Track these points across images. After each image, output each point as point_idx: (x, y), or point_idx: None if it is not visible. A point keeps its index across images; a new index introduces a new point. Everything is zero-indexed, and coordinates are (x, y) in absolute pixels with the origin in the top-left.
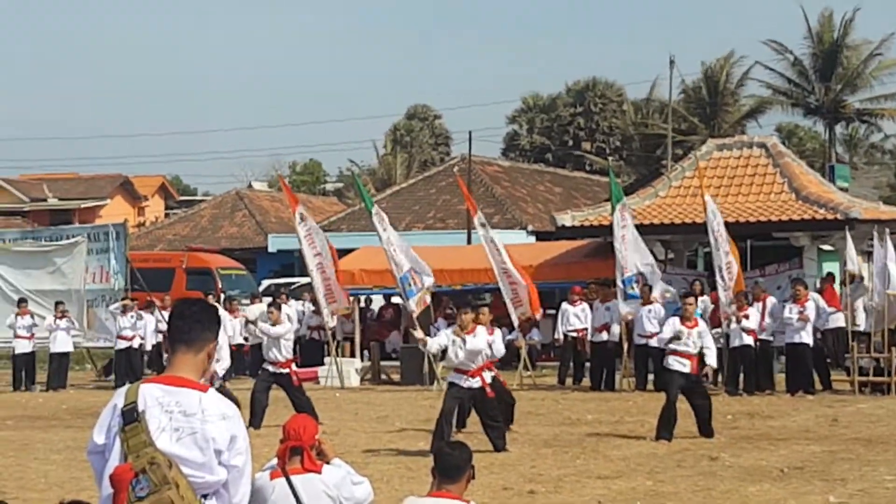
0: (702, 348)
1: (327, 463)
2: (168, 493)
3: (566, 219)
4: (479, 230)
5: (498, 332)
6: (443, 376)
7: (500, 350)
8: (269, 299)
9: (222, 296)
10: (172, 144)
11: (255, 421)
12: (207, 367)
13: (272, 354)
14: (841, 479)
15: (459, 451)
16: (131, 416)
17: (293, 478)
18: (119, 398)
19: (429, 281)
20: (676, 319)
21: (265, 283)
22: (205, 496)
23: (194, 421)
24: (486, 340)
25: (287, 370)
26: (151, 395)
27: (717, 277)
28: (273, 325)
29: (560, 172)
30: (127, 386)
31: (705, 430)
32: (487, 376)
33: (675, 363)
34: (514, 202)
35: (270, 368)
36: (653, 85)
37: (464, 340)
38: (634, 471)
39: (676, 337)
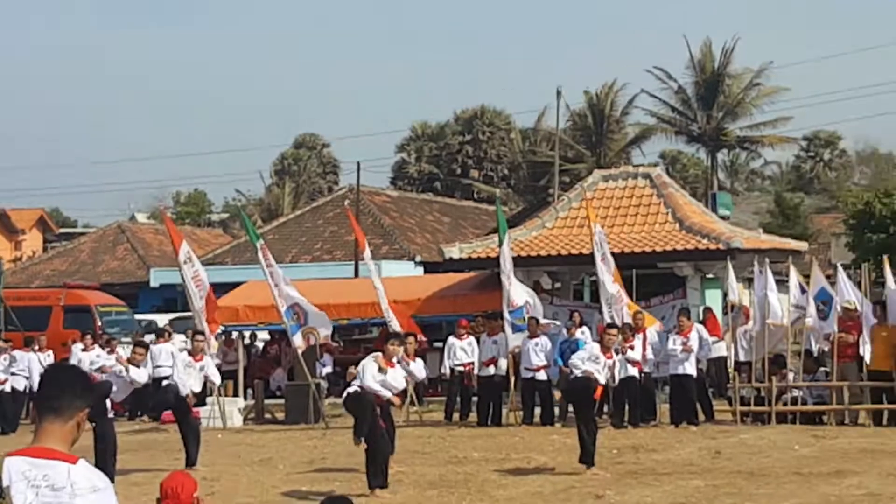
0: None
1: None
2: None
3: (454, 251)
4: (367, 263)
5: (419, 359)
6: (328, 415)
7: (421, 375)
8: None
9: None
10: (51, 177)
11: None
12: (77, 435)
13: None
14: None
15: None
16: None
17: None
18: None
19: (325, 332)
20: (596, 345)
21: (146, 318)
22: None
23: (63, 496)
24: (403, 376)
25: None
26: (17, 470)
27: (605, 308)
28: (136, 366)
29: (448, 202)
30: None
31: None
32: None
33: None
34: (402, 232)
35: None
36: (541, 114)
37: (384, 373)
38: None
39: (593, 360)
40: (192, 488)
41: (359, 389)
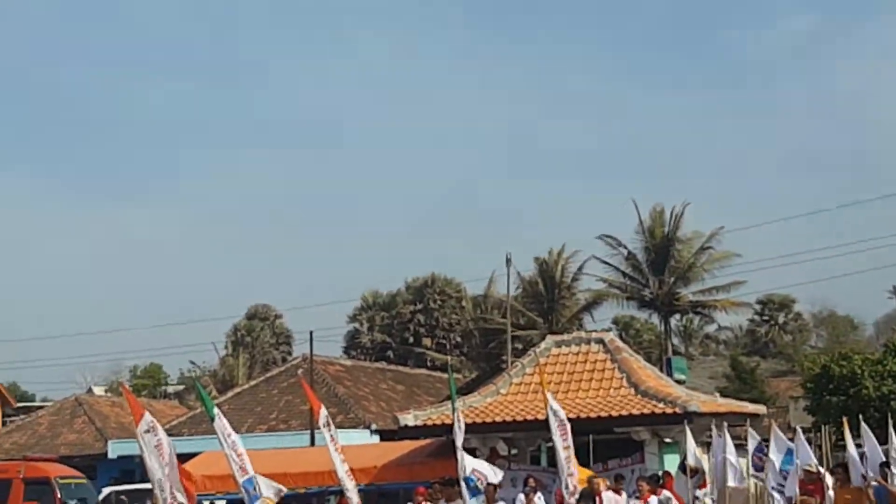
0: None
1: None
2: None
3: (409, 418)
4: (322, 430)
5: None
6: None
7: None
8: None
9: None
10: (8, 351)
11: None
12: None
13: None
14: None
15: None
16: None
17: None
18: None
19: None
20: None
21: (106, 490)
22: None
23: None
24: None
25: None
26: None
27: (562, 474)
28: None
29: (402, 370)
30: None
31: None
32: None
33: None
34: (356, 401)
35: None
36: (490, 281)
37: None
38: None
39: None
40: None
41: None
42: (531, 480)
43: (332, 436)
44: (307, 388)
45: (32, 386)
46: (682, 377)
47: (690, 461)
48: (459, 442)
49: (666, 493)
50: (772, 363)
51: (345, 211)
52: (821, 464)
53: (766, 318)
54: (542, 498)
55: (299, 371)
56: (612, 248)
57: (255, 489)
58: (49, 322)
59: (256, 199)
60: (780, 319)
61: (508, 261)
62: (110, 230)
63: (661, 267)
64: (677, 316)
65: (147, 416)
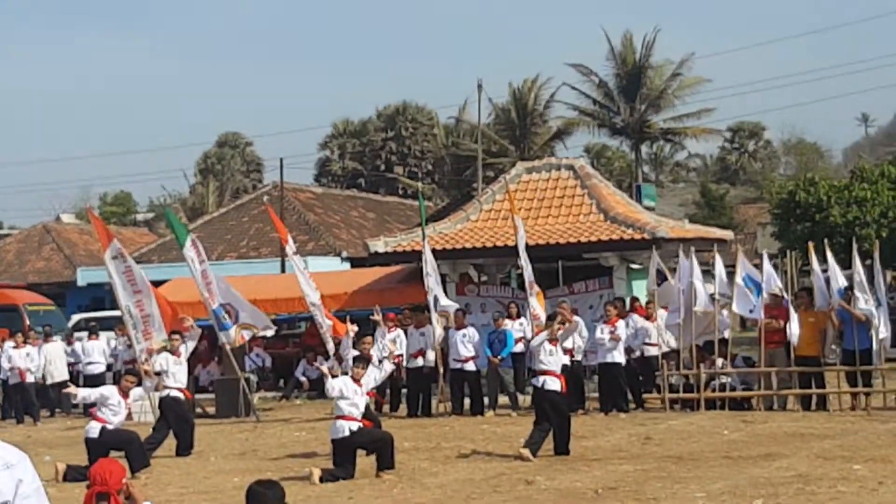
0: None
1: None
2: None
3: (379, 245)
4: (291, 258)
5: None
6: (259, 408)
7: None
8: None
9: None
10: None
11: None
12: None
13: None
14: (653, 497)
15: (272, 491)
16: None
17: None
18: None
19: (269, 332)
20: (544, 334)
21: (75, 317)
22: None
23: None
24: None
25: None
26: None
27: (530, 299)
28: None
29: (373, 198)
30: None
31: (563, 448)
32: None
33: (550, 383)
34: (327, 229)
35: None
36: (462, 107)
37: (356, 389)
38: (451, 498)
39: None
40: (121, 474)
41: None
42: (513, 307)
43: (301, 262)
44: (272, 215)
45: None
46: (652, 204)
47: (652, 287)
48: (428, 269)
49: (634, 316)
50: (741, 190)
51: (312, 34)
52: (786, 289)
53: (736, 145)
54: (524, 323)
55: (265, 198)
56: (583, 76)
57: (225, 317)
58: (17, 148)
59: (227, 25)
60: (750, 147)
61: (480, 87)
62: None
63: (632, 94)
64: (648, 143)
65: (115, 242)
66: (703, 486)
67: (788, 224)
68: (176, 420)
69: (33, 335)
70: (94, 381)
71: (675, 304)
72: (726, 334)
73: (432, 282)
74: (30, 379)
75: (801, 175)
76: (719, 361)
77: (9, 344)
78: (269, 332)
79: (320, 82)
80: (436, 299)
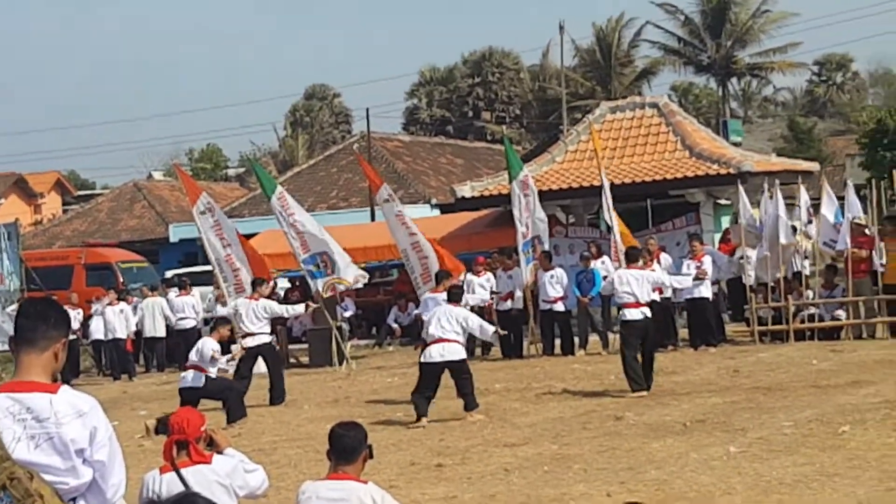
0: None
1: (219, 453)
2: None
3: (466, 190)
4: (382, 206)
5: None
6: (352, 356)
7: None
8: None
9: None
10: (69, 139)
11: None
12: (56, 366)
13: None
14: (741, 428)
15: (354, 432)
16: None
17: (183, 471)
18: None
19: (360, 284)
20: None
21: (168, 273)
22: (73, 499)
23: (49, 425)
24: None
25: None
26: (1, 406)
27: (612, 239)
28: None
29: (461, 144)
30: None
31: (649, 377)
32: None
33: (630, 314)
34: (416, 176)
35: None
36: (545, 51)
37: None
38: (541, 436)
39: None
40: (199, 422)
41: None
42: (593, 247)
43: (398, 210)
44: (364, 164)
45: (92, 173)
46: (738, 139)
47: (743, 221)
48: (531, 204)
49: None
50: (829, 123)
51: None
52: (873, 219)
53: (823, 78)
54: (606, 262)
55: (354, 147)
56: (668, 14)
57: (319, 267)
58: (107, 108)
59: None
60: (838, 79)
61: (562, 28)
62: (167, 7)
63: (717, 30)
64: (735, 79)
65: (203, 196)
66: (791, 415)
67: (876, 153)
68: (274, 366)
69: (128, 294)
70: (186, 336)
71: (750, 241)
72: (807, 267)
73: (541, 226)
74: (122, 335)
75: (889, 105)
76: (808, 293)
77: (103, 301)
78: (360, 284)
79: (406, 31)
80: (539, 239)
